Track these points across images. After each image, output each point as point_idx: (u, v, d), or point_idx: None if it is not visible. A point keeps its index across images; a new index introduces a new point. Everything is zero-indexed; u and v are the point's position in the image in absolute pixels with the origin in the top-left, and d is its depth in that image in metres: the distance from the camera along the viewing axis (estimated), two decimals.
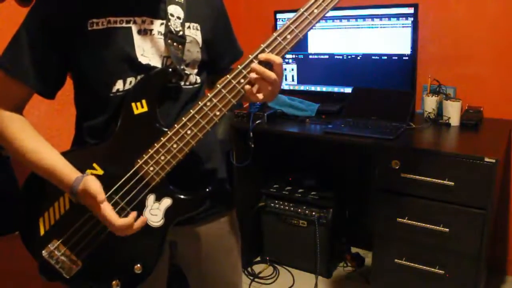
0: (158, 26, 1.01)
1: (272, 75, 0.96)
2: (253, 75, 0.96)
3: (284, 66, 2.45)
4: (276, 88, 0.98)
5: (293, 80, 2.47)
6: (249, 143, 2.11)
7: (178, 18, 1.04)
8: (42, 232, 1.02)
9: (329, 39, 2.30)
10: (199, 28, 1.08)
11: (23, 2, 1.69)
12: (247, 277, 2.36)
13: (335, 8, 2.48)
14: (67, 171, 0.97)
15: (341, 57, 2.30)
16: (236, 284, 1.29)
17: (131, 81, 1.00)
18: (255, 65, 0.96)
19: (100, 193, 0.93)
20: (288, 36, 0.97)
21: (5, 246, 1.55)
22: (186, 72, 1.05)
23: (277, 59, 0.96)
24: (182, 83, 1.05)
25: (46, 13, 0.95)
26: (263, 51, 0.96)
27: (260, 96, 0.98)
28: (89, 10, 0.95)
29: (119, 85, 0.99)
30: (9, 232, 1.43)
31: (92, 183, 0.94)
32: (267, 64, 0.96)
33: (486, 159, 1.58)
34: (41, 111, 1.76)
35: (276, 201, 2.35)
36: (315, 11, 0.97)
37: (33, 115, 1.74)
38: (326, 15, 0.99)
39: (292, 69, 2.45)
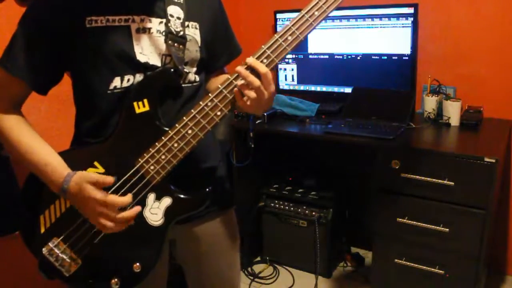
0: (156, 25, 1.01)
1: (255, 81, 0.93)
2: (240, 80, 0.95)
3: (284, 66, 2.47)
4: (262, 99, 0.95)
5: (293, 80, 2.47)
6: (249, 143, 2.11)
7: (178, 18, 1.04)
8: (42, 229, 1.03)
9: (329, 39, 2.30)
10: (198, 27, 1.08)
11: (23, 2, 1.69)
12: (247, 277, 2.35)
13: (335, 8, 2.46)
14: (60, 167, 0.98)
15: (341, 57, 2.30)
16: (234, 282, 1.29)
17: (129, 78, 1.00)
18: (239, 68, 0.94)
19: (104, 176, 0.96)
20: (289, 38, 0.96)
21: (5, 246, 1.55)
22: (186, 70, 1.05)
23: (261, 67, 0.93)
24: (182, 81, 1.05)
25: (45, 9, 0.96)
26: (264, 52, 0.95)
27: (247, 102, 0.96)
28: (88, 8, 0.96)
29: (116, 83, 0.99)
30: (9, 232, 1.42)
31: (91, 173, 0.96)
32: (254, 71, 0.93)
33: (486, 159, 1.58)
34: (42, 111, 1.76)
35: (276, 201, 2.35)
36: (316, 13, 0.96)
37: (33, 115, 1.74)
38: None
39: (292, 69, 2.46)
